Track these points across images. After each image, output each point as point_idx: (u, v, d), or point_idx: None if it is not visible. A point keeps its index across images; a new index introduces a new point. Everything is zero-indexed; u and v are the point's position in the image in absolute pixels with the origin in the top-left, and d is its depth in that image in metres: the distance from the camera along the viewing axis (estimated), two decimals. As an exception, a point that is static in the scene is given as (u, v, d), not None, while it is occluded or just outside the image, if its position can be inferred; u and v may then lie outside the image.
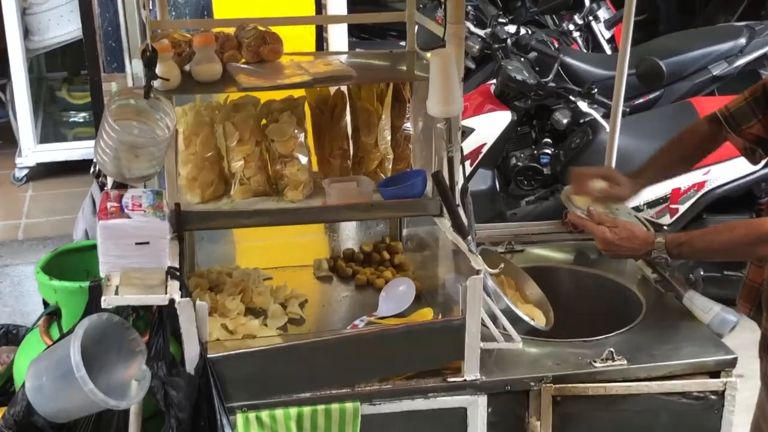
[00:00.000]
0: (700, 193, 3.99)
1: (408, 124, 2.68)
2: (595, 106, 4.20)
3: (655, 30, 6.33)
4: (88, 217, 3.27)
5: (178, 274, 2.07)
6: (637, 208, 3.42)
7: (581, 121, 4.22)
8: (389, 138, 2.63)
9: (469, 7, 5.18)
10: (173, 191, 2.35)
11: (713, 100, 4.32)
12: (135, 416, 2.16)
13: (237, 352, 2.14)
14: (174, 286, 2.03)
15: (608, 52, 5.41)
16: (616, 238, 2.38)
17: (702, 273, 4.00)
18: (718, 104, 2.49)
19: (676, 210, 4.01)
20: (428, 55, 2.41)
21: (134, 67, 2.30)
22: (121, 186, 2.20)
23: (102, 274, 2.08)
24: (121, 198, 2.13)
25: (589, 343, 2.35)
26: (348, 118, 2.63)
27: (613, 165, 2.95)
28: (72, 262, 2.54)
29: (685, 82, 4.57)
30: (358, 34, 5.54)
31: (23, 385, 2.11)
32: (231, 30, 2.52)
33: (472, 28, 4.44)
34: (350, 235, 3.49)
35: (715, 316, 2.41)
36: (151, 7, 2.96)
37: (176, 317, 2.03)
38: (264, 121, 2.50)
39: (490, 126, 4.25)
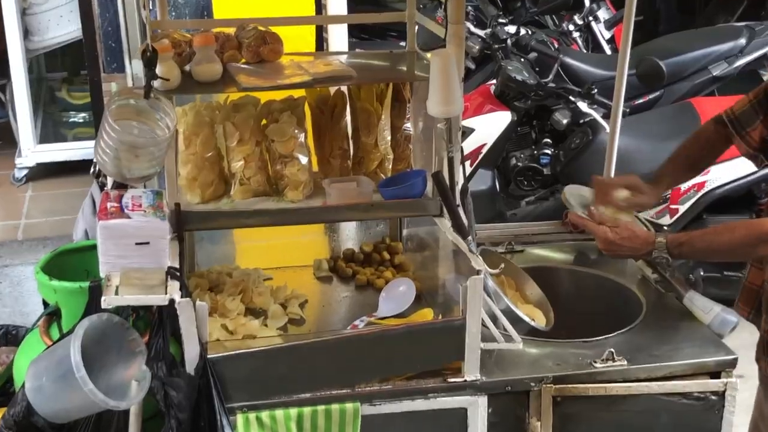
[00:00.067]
0: (700, 194, 3.98)
1: (408, 125, 2.68)
2: (595, 106, 4.19)
3: (655, 30, 6.33)
4: (88, 217, 3.26)
5: (178, 274, 2.07)
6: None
7: (581, 121, 4.22)
8: (389, 138, 2.63)
9: (469, 8, 5.18)
10: (173, 191, 2.35)
11: (713, 100, 4.32)
12: (135, 417, 2.15)
13: (237, 352, 2.13)
14: (174, 286, 2.03)
15: (608, 52, 5.41)
16: (617, 237, 2.38)
17: (702, 273, 4.00)
18: (718, 104, 2.50)
19: (676, 210, 4.00)
20: (428, 55, 2.40)
21: (134, 67, 2.30)
22: (121, 186, 2.20)
23: (102, 275, 2.08)
24: (121, 198, 2.13)
25: (589, 344, 2.34)
26: (348, 118, 2.63)
27: (613, 165, 2.95)
28: (72, 263, 2.54)
29: (685, 82, 4.57)
30: (358, 34, 5.53)
31: (23, 386, 2.10)
32: (231, 30, 2.52)
33: (472, 29, 4.44)
34: (350, 235, 3.49)
35: (715, 316, 2.42)
36: (151, 7, 2.95)
37: (176, 317, 2.03)
38: (264, 122, 2.50)
39: (490, 126, 4.24)
